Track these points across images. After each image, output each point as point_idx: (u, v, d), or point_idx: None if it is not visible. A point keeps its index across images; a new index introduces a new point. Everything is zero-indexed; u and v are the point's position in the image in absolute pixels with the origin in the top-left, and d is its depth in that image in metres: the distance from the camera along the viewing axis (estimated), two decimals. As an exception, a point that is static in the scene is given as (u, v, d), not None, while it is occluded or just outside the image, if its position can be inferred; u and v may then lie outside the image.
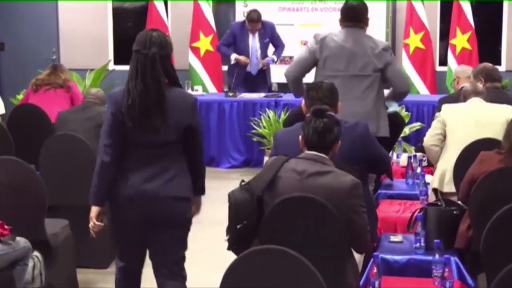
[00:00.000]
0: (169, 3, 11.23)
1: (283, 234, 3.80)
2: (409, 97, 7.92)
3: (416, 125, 8.62)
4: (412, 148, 7.83)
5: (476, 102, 5.71)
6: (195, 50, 10.54)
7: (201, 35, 10.51)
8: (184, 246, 4.27)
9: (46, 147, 5.69)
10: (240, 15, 10.65)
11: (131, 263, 4.18)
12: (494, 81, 6.64)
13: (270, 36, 9.67)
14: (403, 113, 8.08)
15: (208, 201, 6.23)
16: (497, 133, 5.13)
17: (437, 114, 5.83)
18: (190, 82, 10.09)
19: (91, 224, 4.04)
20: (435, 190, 5.58)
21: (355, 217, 3.80)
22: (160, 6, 10.54)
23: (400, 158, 6.88)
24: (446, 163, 5.51)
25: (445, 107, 5.78)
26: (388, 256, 4.47)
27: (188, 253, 4.33)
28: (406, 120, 7.98)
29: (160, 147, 3.99)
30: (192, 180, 4.14)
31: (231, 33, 9.79)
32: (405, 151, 7.61)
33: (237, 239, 3.94)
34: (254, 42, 9.68)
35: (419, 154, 6.52)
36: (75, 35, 10.92)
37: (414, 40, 10.21)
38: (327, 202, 3.72)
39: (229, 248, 4.03)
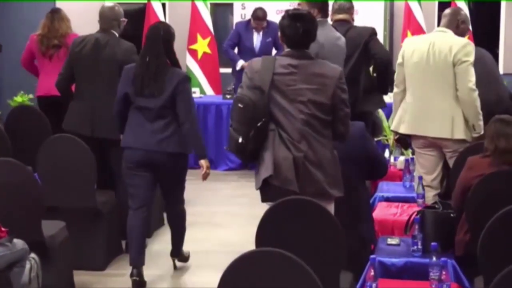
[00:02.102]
0: (166, 4, 11.23)
1: (280, 236, 3.80)
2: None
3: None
4: (409, 151, 7.82)
5: (434, 34, 5.77)
6: (193, 53, 10.53)
7: (199, 37, 10.50)
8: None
9: (43, 149, 5.67)
10: (238, 17, 10.64)
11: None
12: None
13: (273, 36, 9.52)
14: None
15: (206, 203, 6.26)
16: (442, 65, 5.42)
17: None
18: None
19: None
20: (394, 133, 5.95)
21: (341, 105, 4.24)
22: (157, 7, 10.52)
23: (398, 160, 6.89)
24: (404, 104, 5.71)
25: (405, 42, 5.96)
26: (385, 259, 4.48)
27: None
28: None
29: (156, 110, 5.19)
30: (188, 143, 5.27)
31: (236, 32, 9.74)
32: (402, 154, 7.61)
33: (255, 136, 4.18)
34: (258, 40, 9.64)
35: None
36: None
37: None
38: (322, 87, 4.20)
39: (243, 151, 4.24)
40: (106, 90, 5.90)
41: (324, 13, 5.75)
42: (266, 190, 4.23)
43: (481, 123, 5.46)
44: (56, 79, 6.35)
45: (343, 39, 5.77)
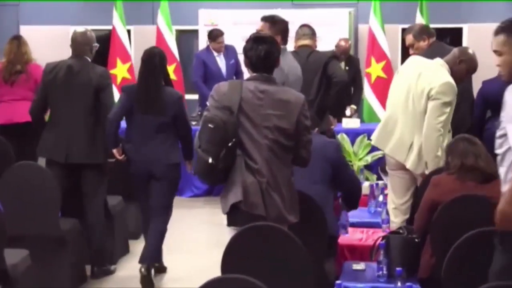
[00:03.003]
0: (132, 30, 11.23)
1: (245, 262, 3.79)
2: (371, 126, 8.01)
3: (378, 153, 8.64)
4: (374, 176, 7.86)
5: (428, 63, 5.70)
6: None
7: (164, 63, 10.48)
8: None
9: (6, 176, 5.62)
10: (203, 43, 10.66)
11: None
12: (434, 35, 6.71)
13: (235, 58, 9.56)
14: (365, 141, 8.13)
15: (172, 230, 6.25)
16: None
17: None
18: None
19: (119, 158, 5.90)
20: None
21: (304, 131, 4.30)
22: (122, 33, 10.52)
23: (362, 186, 6.90)
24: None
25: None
26: (351, 284, 4.48)
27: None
28: (368, 149, 8.04)
29: (158, 126, 5.74)
30: (182, 149, 5.93)
31: (199, 62, 9.56)
32: (367, 179, 7.65)
33: (226, 156, 4.17)
34: (223, 63, 9.54)
35: (380, 183, 6.57)
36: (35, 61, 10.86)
37: (376, 69, 10.30)
38: (287, 113, 4.24)
39: (212, 172, 4.23)
40: (81, 115, 5.92)
41: (285, 40, 5.83)
42: (234, 215, 4.24)
43: (435, 162, 5.37)
44: (17, 105, 6.32)
45: (299, 67, 5.84)
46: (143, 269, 5.68)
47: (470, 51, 5.72)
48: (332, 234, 4.84)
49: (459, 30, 11.03)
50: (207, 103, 4.38)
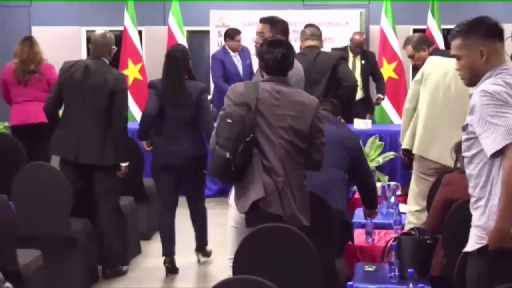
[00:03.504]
0: (143, 31, 11.25)
1: (257, 263, 3.79)
2: (382, 127, 7.99)
3: (390, 154, 8.64)
4: (386, 178, 7.86)
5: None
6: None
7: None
8: None
9: (19, 177, 5.64)
10: (214, 44, 10.68)
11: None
12: (433, 44, 6.72)
13: (249, 58, 9.53)
14: (377, 142, 8.11)
15: (185, 231, 6.27)
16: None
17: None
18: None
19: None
20: (407, 151, 5.89)
21: (318, 134, 4.33)
22: (134, 34, 10.53)
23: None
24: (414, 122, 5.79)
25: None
26: (363, 286, 4.49)
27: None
28: (379, 150, 8.02)
29: (185, 119, 6.00)
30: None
31: (218, 62, 9.52)
32: (379, 180, 7.63)
33: (244, 151, 4.18)
34: (240, 63, 9.53)
35: (392, 184, 6.56)
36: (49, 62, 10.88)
37: (387, 70, 10.27)
38: (301, 115, 4.28)
39: (229, 168, 4.19)
40: (93, 116, 5.93)
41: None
42: (252, 214, 4.22)
43: None
44: (30, 106, 6.32)
45: (302, 68, 5.85)
46: (167, 263, 6.09)
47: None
48: (346, 219, 4.96)
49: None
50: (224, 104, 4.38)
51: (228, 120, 4.18)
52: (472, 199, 3.31)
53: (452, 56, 3.41)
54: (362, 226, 5.83)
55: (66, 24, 11.73)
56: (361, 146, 5.24)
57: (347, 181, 5.11)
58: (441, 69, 5.60)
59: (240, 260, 3.90)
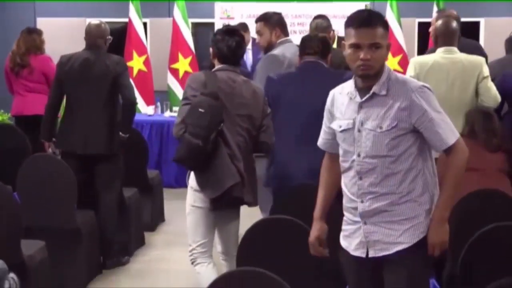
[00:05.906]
0: (148, 23, 11.24)
1: (261, 255, 3.80)
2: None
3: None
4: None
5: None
6: (174, 72, 10.52)
7: (180, 56, 10.48)
8: None
9: (23, 168, 5.65)
10: (219, 37, 10.65)
11: None
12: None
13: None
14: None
15: (183, 223, 6.29)
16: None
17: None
18: (169, 103, 10.08)
19: None
20: None
21: (267, 118, 4.60)
22: (139, 26, 10.53)
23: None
24: None
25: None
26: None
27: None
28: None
29: None
30: None
31: None
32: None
33: (215, 138, 4.33)
34: (248, 58, 9.40)
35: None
36: (52, 53, 10.90)
37: (392, 63, 10.24)
38: (255, 103, 4.52)
39: (200, 155, 4.31)
40: (99, 106, 5.94)
41: (285, 32, 6.00)
42: (219, 199, 4.41)
43: None
44: (27, 98, 6.35)
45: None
46: None
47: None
48: None
49: (476, 24, 10.97)
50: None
51: (200, 110, 4.30)
52: (396, 196, 3.28)
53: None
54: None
55: (71, 15, 11.72)
56: None
57: None
58: (435, 73, 5.62)
59: (244, 252, 3.90)
